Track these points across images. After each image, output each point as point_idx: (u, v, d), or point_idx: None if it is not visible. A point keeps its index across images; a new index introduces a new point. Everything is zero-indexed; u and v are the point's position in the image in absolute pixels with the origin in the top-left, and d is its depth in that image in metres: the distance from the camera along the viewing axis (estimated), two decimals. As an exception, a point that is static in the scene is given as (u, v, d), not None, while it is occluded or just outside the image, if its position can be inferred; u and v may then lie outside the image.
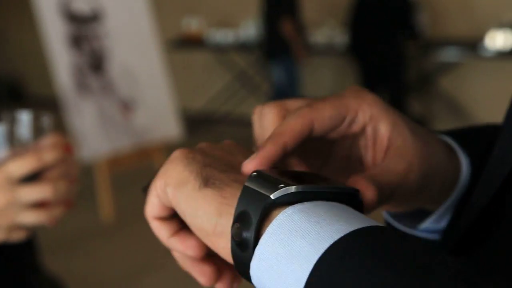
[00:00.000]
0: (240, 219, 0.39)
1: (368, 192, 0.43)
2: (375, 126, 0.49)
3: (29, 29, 7.05)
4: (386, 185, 0.45)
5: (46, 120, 0.97)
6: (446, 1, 5.85)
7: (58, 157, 0.95)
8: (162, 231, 0.47)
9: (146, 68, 4.35)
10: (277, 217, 0.38)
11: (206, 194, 0.42)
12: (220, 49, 6.65)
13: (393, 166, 0.47)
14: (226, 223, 0.41)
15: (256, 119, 0.52)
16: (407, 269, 0.33)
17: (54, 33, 3.98)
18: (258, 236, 0.38)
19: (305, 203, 0.39)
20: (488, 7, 5.61)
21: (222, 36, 6.46)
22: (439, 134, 0.55)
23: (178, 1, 7.16)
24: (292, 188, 0.39)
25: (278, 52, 5.31)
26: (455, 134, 0.56)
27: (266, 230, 0.38)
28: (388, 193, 0.45)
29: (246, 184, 0.40)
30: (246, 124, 6.86)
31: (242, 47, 6.42)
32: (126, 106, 4.24)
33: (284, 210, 0.38)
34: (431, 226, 0.56)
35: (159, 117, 4.38)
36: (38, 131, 0.97)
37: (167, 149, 4.68)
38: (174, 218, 0.47)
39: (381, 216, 0.59)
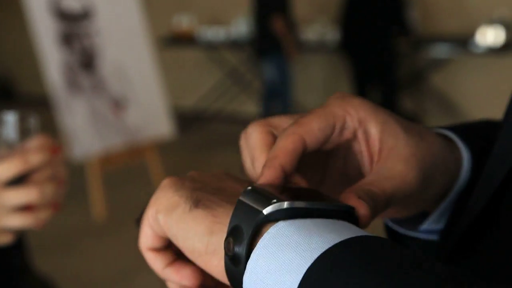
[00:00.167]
0: (233, 234, 0.39)
1: (360, 210, 0.42)
2: (365, 129, 0.48)
3: (19, 27, 7.02)
4: (381, 195, 0.44)
5: (33, 121, 0.95)
6: (437, -3, 5.86)
7: (44, 159, 0.93)
8: (157, 262, 0.47)
9: (137, 66, 4.34)
10: (268, 231, 0.38)
11: (197, 215, 0.42)
12: (211, 47, 6.64)
13: (387, 171, 0.46)
14: (217, 241, 0.41)
15: (242, 142, 0.51)
16: (395, 278, 0.32)
17: (44, 31, 3.97)
18: (251, 250, 0.38)
19: (298, 218, 0.38)
20: (478, 3, 5.63)
21: (213, 33, 6.45)
22: (439, 128, 0.54)
23: (169, -2, 7.15)
24: (285, 204, 0.39)
25: (269, 50, 5.31)
26: (455, 128, 0.54)
27: (257, 244, 0.38)
28: (383, 203, 0.44)
29: (240, 198, 0.40)
30: (237, 121, 6.86)
31: (233, 44, 6.42)
32: (118, 104, 4.23)
33: (276, 224, 0.38)
34: (431, 226, 0.54)
35: (151, 115, 4.37)
36: (24, 132, 0.94)
37: (159, 147, 4.68)
38: (168, 249, 0.47)
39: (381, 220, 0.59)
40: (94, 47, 4.19)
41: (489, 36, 5.33)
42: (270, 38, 5.24)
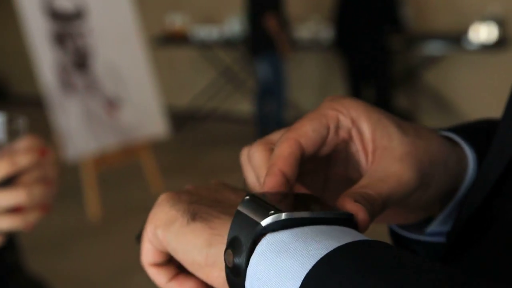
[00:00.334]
0: (232, 246, 0.39)
1: (359, 215, 0.41)
2: (358, 128, 0.47)
3: (12, 27, 7.00)
4: (377, 197, 0.43)
5: (21, 122, 0.94)
6: (429, -5, 5.87)
7: (33, 160, 0.92)
8: (159, 277, 0.47)
9: (130, 66, 4.33)
10: (266, 237, 0.38)
11: (195, 228, 0.43)
12: (204, 46, 6.64)
13: (382, 171, 0.45)
14: (217, 253, 0.41)
15: (244, 162, 0.51)
16: (393, 281, 0.32)
17: (37, 31, 3.95)
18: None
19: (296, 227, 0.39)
20: (471, 0, 5.64)
21: (206, 32, 6.44)
22: (440, 130, 0.53)
23: (162, -3, 7.14)
24: (283, 215, 0.39)
25: (263, 48, 5.31)
26: (456, 129, 0.54)
27: (255, 251, 0.38)
28: (379, 206, 0.43)
29: (239, 208, 0.40)
30: (232, 120, 6.86)
31: (226, 43, 6.41)
32: (111, 104, 4.22)
33: (275, 232, 0.38)
34: (438, 228, 0.53)
35: (145, 114, 4.36)
36: (12, 133, 0.92)
37: (153, 147, 4.67)
38: (170, 263, 0.47)
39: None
40: (87, 47, 4.18)
41: (482, 32, 5.34)
42: (264, 37, 5.23)
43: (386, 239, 0.58)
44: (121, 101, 4.26)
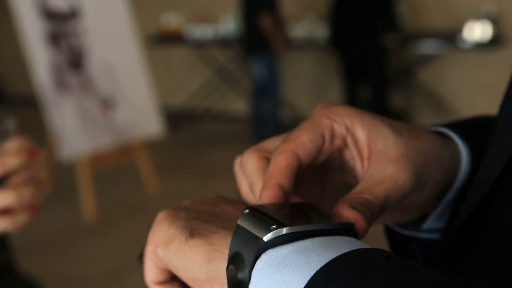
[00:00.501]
0: (234, 261, 0.39)
1: (357, 222, 0.41)
2: (353, 135, 0.48)
3: (6, 27, 6.98)
4: (375, 201, 0.44)
5: (11, 123, 0.93)
6: (424, -7, 5.88)
7: (22, 162, 0.91)
8: None
9: (125, 65, 4.33)
10: (267, 252, 0.38)
11: (193, 245, 0.43)
12: (199, 45, 6.63)
13: (378, 175, 0.46)
14: (217, 268, 0.41)
15: (237, 170, 0.51)
16: None
17: (31, 31, 3.95)
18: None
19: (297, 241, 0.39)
20: (466, -1, 5.66)
21: (201, 31, 6.44)
22: (435, 126, 0.54)
23: (156, -3, 7.13)
24: (284, 230, 0.38)
25: (257, 47, 5.31)
26: (450, 125, 0.54)
27: (256, 266, 0.38)
28: (378, 209, 0.44)
29: (239, 223, 0.40)
30: (227, 119, 6.86)
31: (221, 42, 6.41)
32: (107, 104, 4.22)
33: (276, 247, 0.38)
34: (433, 225, 0.54)
35: (140, 114, 4.36)
36: (2, 134, 0.91)
37: (148, 146, 4.67)
38: (174, 281, 0.48)
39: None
40: (82, 46, 4.17)
41: (477, 31, 5.35)
42: (259, 36, 5.23)
43: (382, 236, 0.59)
44: (116, 101, 4.26)
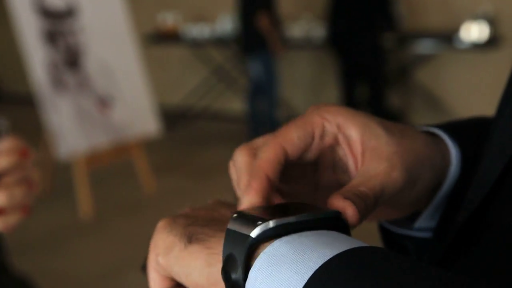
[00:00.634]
0: (228, 263, 0.40)
1: (348, 210, 0.42)
2: (345, 133, 0.49)
3: (3, 26, 6.97)
4: (370, 193, 0.45)
5: (3, 123, 0.93)
6: (421, -7, 5.89)
7: (13, 162, 0.90)
8: None
9: (122, 64, 4.33)
10: (264, 251, 0.39)
11: (192, 250, 0.43)
12: (196, 44, 6.63)
13: (372, 170, 0.47)
14: (217, 271, 0.42)
15: (231, 169, 0.52)
16: None
17: (28, 29, 3.94)
18: (247, 275, 0.39)
19: (292, 234, 0.39)
20: (462, -1, 5.67)
21: (198, 30, 6.43)
22: (426, 126, 0.55)
23: (153, -4, 7.13)
24: (270, 223, 0.39)
25: (254, 47, 5.31)
26: (442, 125, 0.55)
27: (254, 264, 0.38)
28: (372, 201, 0.45)
29: (228, 227, 0.41)
30: (224, 118, 6.86)
31: (218, 41, 6.40)
32: (103, 102, 4.21)
33: (272, 243, 0.39)
34: (425, 224, 0.55)
35: (137, 113, 4.36)
36: None
37: (145, 145, 4.67)
38: (179, 287, 0.48)
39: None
40: (78, 45, 4.17)
41: (473, 31, 5.36)
42: (256, 35, 5.23)
43: (376, 234, 0.59)
44: (113, 100, 4.26)
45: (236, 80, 6.68)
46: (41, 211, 4.14)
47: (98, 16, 4.24)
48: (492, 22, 5.37)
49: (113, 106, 4.25)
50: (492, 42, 5.34)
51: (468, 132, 0.55)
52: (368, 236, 0.50)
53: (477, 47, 5.38)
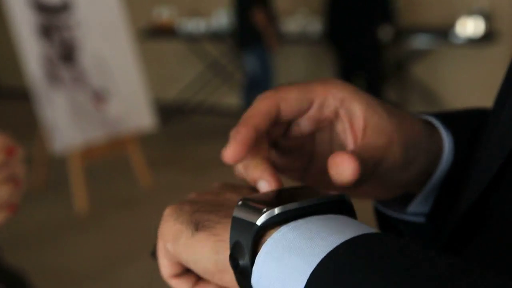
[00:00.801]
0: (235, 250, 0.40)
1: (350, 163, 0.43)
2: (349, 108, 0.49)
3: (-3, 19, 6.94)
4: (369, 159, 0.46)
5: None
6: (417, -12, 5.89)
7: (0, 160, 0.91)
8: (182, 286, 0.49)
9: (118, 58, 4.32)
10: (271, 236, 0.39)
11: (200, 238, 0.44)
12: (192, 39, 6.61)
13: (373, 143, 0.48)
14: (225, 258, 0.42)
15: None
16: (399, 278, 0.32)
17: (23, 23, 3.93)
18: (254, 261, 0.39)
19: (299, 220, 0.39)
20: (458, -6, 5.66)
21: (194, 25, 6.42)
22: (421, 114, 0.56)
23: (149, -10, 7.11)
24: (276, 210, 0.40)
25: (250, 42, 5.30)
26: (437, 114, 0.56)
27: (261, 249, 0.39)
28: (371, 166, 0.46)
29: (234, 214, 0.42)
30: (219, 113, 6.85)
31: (214, 36, 6.39)
32: (99, 97, 4.21)
33: (279, 229, 0.39)
34: (418, 208, 0.56)
35: (132, 107, 4.35)
36: None
37: (140, 140, 4.66)
38: (189, 272, 0.49)
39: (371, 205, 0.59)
40: (74, 39, 4.16)
41: (469, 27, 5.36)
42: (251, 30, 5.23)
43: (371, 215, 0.60)
44: (108, 94, 4.25)
45: (232, 75, 6.68)
46: (36, 206, 4.14)
47: (94, 11, 4.23)
48: (488, 17, 5.38)
49: (108, 101, 4.24)
50: (488, 38, 5.34)
51: (462, 121, 0.56)
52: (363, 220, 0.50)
53: (472, 42, 5.39)
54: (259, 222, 0.39)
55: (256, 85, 5.49)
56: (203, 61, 6.84)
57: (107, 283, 3.16)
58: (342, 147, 0.51)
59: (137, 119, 4.36)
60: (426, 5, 5.85)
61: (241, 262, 0.40)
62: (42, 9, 4.02)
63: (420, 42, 5.60)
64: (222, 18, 6.27)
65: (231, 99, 6.82)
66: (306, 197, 0.41)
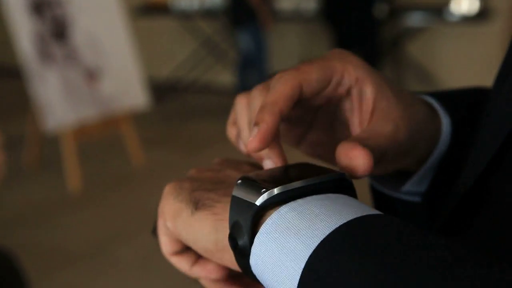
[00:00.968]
0: (234, 230, 0.40)
1: (365, 159, 0.43)
2: (361, 88, 0.48)
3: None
4: (376, 149, 0.45)
5: None
6: (412, -35, 5.85)
7: None
8: (182, 264, 0.49)
9: (110, 36, 4.28)
10: (271, 216, 0.38)
11: (199, 217, 0.44)
12: (185, 16, 6.57)
13: (380, 129, 0.47)
14: (224, 237, 0.42)
15: (240, 109, 0.51)
16: (398, 262, 0.32)
17: (14, 0, 3.89)
18: (253, 241, 0.39)
19: (298, 200, 0.39)
20: (453, -29, 5.63)
21: (187, 2, 6.38)
22: (421, 94, 0.55)
23: (142, -33, 7.04)
24: (275, 190, 0.39)
25: (244, 19, 5.27)
26: (436, 95, 0.56)
27: (260, 229, 0.38)
28: (378, 157, 0.45)
29: (233, 193, 0.41)
30: (213, 91, 6.83)
31: (208, 13, 6.36)
32: (91, 75, 4.18)
33: (279, 209, 0.39)
34: (413, 188, 0.56)
35: (125, 85, 4.33)
36: None
37: (133, 118, 4.64)
38: (189, 250, 0.49)
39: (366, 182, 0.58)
40: (66, 16, 4.12)
41: (464, 4, 5.34)
42: (245, 8, 5.19)
43: (367, 193, 0.60)
44: (101, 72, 4.22)
45: (226, 53, 6.64)
46: (29, 185, 4.13)
47: (85, -13, 4.18)
48: (483, -6, 5.36)
49: (101, 79, 4.21)
50: (482, 15, 5.33)
51: (460, 101, 0.56)
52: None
53: (467, 20, 5.37)
54: (258, 202, 0.39)
55: (250, 63, 5.47)
56: (196, 39, 6.80)
57: (101, 261, 3.17)
58: (344, 124, 0.51)
59: (130, 97, 4.34)
60: (421, -18, 5.82)
61: (240, 242, 0.39)
62: (33, -14, 3.98)
63: (415, 19, 5.58)
64: (215, -5, 6.23)
65: (225, 77, 6.79)
66: (308, 175, 0.41)
